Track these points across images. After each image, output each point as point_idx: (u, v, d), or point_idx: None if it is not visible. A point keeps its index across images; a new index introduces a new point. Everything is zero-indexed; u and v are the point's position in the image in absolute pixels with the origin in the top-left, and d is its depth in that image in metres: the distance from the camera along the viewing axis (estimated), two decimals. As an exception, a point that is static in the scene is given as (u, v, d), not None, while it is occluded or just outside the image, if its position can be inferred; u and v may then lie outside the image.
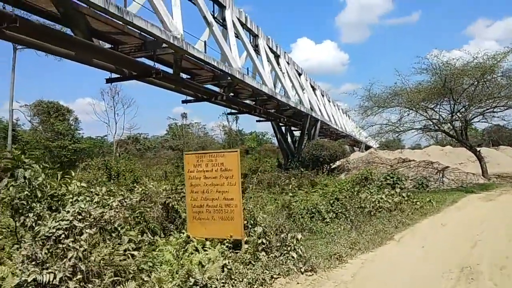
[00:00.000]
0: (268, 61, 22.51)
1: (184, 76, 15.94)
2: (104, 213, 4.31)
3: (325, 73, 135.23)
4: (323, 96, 41.57)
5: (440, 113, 22.56)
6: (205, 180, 5.58)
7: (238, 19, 18.76)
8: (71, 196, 5.29)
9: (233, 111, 22.35)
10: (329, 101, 44.81)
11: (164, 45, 10.78)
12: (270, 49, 23.96)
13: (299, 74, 31.91)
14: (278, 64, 25.93)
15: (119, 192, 6.61)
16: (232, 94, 20.43)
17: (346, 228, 8.48)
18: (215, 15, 17.44)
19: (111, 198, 5.58)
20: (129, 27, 9.81)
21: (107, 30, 10.18)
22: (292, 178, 17.78)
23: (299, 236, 5.77)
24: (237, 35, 18.65)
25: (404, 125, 23.14)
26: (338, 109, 50.72)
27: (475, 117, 22.98)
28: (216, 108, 23.77)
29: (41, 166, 5.76)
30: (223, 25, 17.40)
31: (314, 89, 38.16)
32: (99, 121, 41.31)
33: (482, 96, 20.75)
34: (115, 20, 9.04)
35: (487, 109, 22.51)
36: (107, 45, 11.27)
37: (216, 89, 18.79)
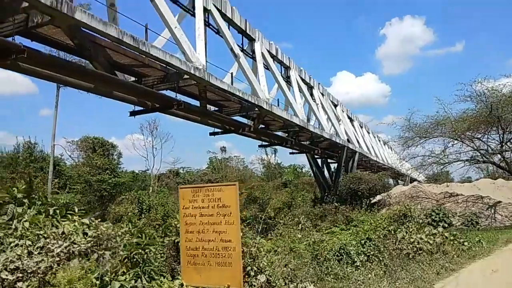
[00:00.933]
0: (300, 92, 22.07)
1: (212, 108, 15.80)
2: (40, 263, 3.61)
3: (367, 105, 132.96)
4: (361, 127, 40.31)
5: (488, 143, 20.85)
6: (201, 218, 4.96)
7: (268, 51, 18.61)
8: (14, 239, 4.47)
9: (264, 143, 21.90)
10: (368, 132, 43.36)
11: (185, 76, 10.63)
12: (303, 80, 23.57)
13: (335, 105, 31.15)
14: (312, 95, 25.41)
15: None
16: (262, 125, 20.05)
17: (378, 274, 7.44)
18: (245, 48, 17.41)
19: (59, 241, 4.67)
20: (150, 59, 9.75)
21: (128, 62, 10.20)
22: (324, 213, 16.74)
23: (311, 287, 4.93)
24: (267, 67, 18.46)
25: (448, 156, 21.56)
26: (379, 140, 48.95)
27: (529, 147, 21.01)
28: (256, 141, 23.54)
29: (37, 201, 5.43)
30: (253, 57, 17.29)
31: (351, 120, 37.10)
32: (142, 155, 41.96)
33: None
34: (133, 51, 8.97)
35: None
36: (132, 78, 11.32)
37: (246, 121, 18.51)
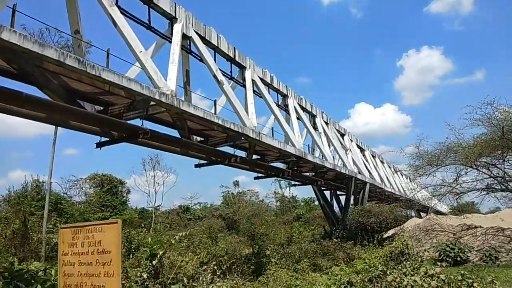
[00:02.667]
0: (299, 120, 21.16)
1: (198, 138, 14.96)
2: None
3: (388, 136, 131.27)
4: (374, 157, 38.77)
5: (506, 169, 19.08)
6: (80, 268, 3.88)
7: (261, 79, 17.93)
8: None
9: (259, 175, 20.81)
10: (382, 162, 41.65)
11: (152, 102, 9.88)
12: (303, 108, 22.70)
13: (342, 135, 29.99)
14: (315, 124, 24.45)
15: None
16: (258, 156, 19.05)
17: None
18: (235, 76, 16.78)
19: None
20: (112, 85, 9.05)
21: (90, 90, 9.54)
22: (324, 251, 15.28)
23: None
24: (260, 95, 17.72)
25: (462, 185, 19.86)
26: (395, 171, 47.01)
27: (549, 173, 19.14)
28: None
29: None
30: (243, 85, 16.60)
31: (362, 150, 35.71)
32: (144, 191, 41.24)
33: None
34: (89, 78, 8.29)
35: None
36: (100, 108, 10.66)
37: (242, 152, 17.59)
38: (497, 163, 19.51)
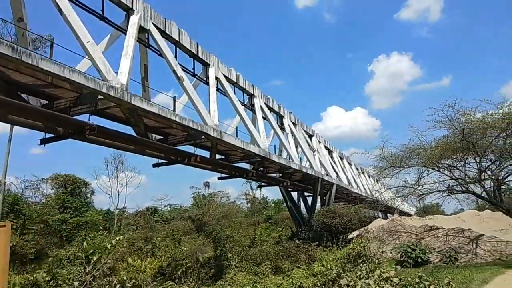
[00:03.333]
0: (266, 120, 20.89)
1: (158, 137, 14.36)
2: None
3: (358, 139, 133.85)
4: (342, 159, 39.05)
5: (466, 172, 19.44)
6: None
7: (226, 77, 17.52)
8: None
9: (223, 175, 20.34)
10: (350, 164, 42.06)
11: (100, 96, 9.26)
12: (270, 108, 22.45)
13: (310, 136, 29.98)
14: (282, 124, 24.25)
15: None
16: (222, 156, 18.60)
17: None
18: (198, 74, 16.30)
19: None
20: (54, 77, 8.38)
21: (32, 82, 8.81)
22: (285, 253, 15.00)
23: None
24: (225, 94, 17.30)
25: (424, 186, 20.11)
26: (363, 172, 47.65)
27: (509, 174, 19.63)
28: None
29: None
30: (206, 82, 16.13)
31: (330, 151, 35.90)
32: (106, 193, 39.70)
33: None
34: (28, 68, 7.60)
35: (523, 164, 19.26)
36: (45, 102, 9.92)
37: (206, 152, 17.09)
38: (458, 165, 19.88)
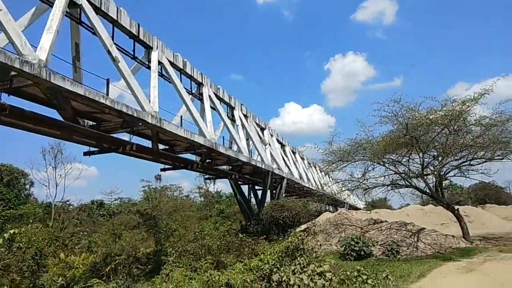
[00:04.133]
0: (215, 110, 20.17)
1: (90, 123, 13.20)
2: None
3: (314, 135, 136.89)
4: (294, 153, 39.13)
5: (410, 167, 19.86)
6: None
7: (171, 62, 16.59)
8: None
9: (166, 166, 19.42)
10: (302, 158, 42.32)
11: (13, 72, 8.14)
12: (221, 99, 21.78)
13: (262, 129, 29.62)
14: (233, 116, 23.62)
15: None
16: (166, 146, 17.68)
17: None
18: (139, 57, 15.27)
19: None
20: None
21: None
22: (229, 247, 14.46)
23: None
24: (169, 80, 16.37)
25: (369, 180, 20.34)
26: (315, 167, 48.17)
27: (450, 170, 20.29)
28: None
29: None
30: (149, 66, 15.13)
31: (283, 145, 35.82)
32: (43, 184, 36.81)
33: (455, 146, 18.29)
34: None
35: (463, 161, 19.95)
36: None
37: (148, 143, 16.08)
38: (403, 160, 20.28)
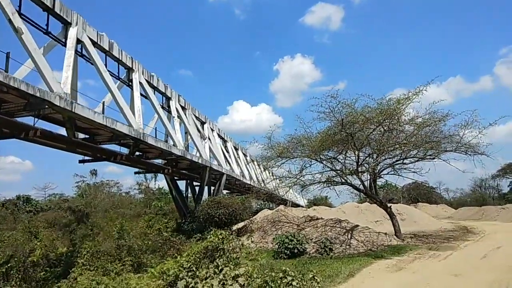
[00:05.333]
0: (146, 98, 18.68)
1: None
2: None
3: (262, 134, 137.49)
4: (236, 149, 38.30)
5: (346, 164, 19.75)
6: None
7: (94, 42, 14.94)
8: None
9: (86, 158, 17.62)
10: (245, 155, 41.61)
11: None
12: (155, 87, 20.31)
13: (202, 123, 28.41)
14: (169, 107, 22.19)
15: None
16: (87, 136, 15.96)
17: None
18: (55, 33, 13.48)
19: None
20: None
21: None
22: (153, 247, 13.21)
23: None
24: (91, 61, 14.70)
25: (305, 177, 19.95)
26: (258, 164, 47.70)
27: (384, 169, 20.48)
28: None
29: None
30: (65, 44, 13.42)
31: (225, 141, 34.82)
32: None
33: (388, 144, 18.37)
34: None
35: (396, 160, 20.20)
36: None
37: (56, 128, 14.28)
38: (340, 157, 20.13)
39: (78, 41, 13.95)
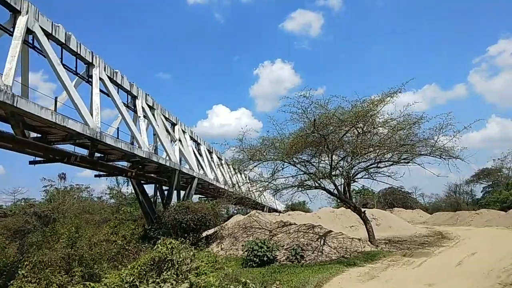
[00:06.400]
0: (108, 95, 17.50)
1: None
2: None
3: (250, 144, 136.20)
4: (210, 152, 37.24)
5: (320, 167, 19.05)
6: None
7: (48, 33, 13.74)
8: None
9: (37, 159, 16.26)
10: (220, 158, 40.56)
11: None
12: (119, 84, 19.18)
13: (173, 124, 27.28)
14: (135, 106, 21.02)
15: None
16: (39, 135, 14.66)
17: None
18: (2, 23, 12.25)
19: None
20: None
21: None
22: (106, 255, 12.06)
23: None
24: (42, 53, 13.49)
25: (277, 180, 19.15)
26: (234, 169, 46.64)
27: (358, 172, 19.91)
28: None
29: None
30: (12, 33, 12.18)
31: (198, 143, 33.73)
32: None
33: (362, 146, 17.80)
34: None
35: (371, 164, 19.67)
36: None
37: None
38: (313, 160, 19.45)
39: (29, 31, 12.73)
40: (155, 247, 7.89)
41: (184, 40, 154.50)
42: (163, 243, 7.42)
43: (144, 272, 7.15)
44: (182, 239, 19.29)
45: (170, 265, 7.00)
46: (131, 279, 6.82)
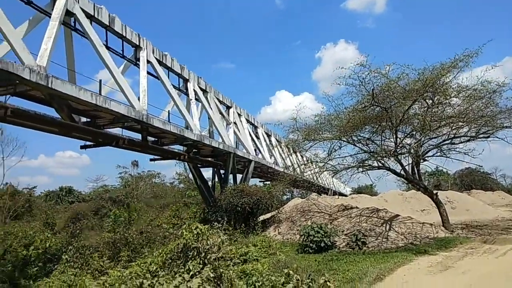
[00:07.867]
0: (157, 78, 17.22)
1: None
2: None
3: (304, 122, 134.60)
4: (269, 136, 36.30)
5: (384, 146, 17.06)
6: None
7: (91, 15, 13.63)
8: None
9: (87, 143, 16.28)
10: (279, 141, 39.46)
11: None
12: (169, 68, 18.86)
13: (228, 107, 26.71)
14: (186, 89, 20.65)
15: None
16: (88, 119, 14.69)
17: None
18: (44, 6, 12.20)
19: None
20: None
21: None
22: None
23: None
24: (84, 34, 13.35)
25: (334, 160, 17.57)
26: (295, 152, 45.36)
27: (428, 150, 17.61)
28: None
29: None
30: (50, 15, 12.09)
31: (255, 127, 32.95)
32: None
33: (433, 119, 15.58)
34: None
35: (444, 140, 17.28)
36: None
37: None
38: (376, 138, 17.55)
39: (70, 13, 12.55)
40: (180, 232, 7.11)
41: (246, 28, 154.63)
42: (188, 228, 6.58)
43: (169, 261, 6.36)
44: (241, 223, 18.92)
45: (196, 253, 6.13)
46: (154, 268, 6.06)
